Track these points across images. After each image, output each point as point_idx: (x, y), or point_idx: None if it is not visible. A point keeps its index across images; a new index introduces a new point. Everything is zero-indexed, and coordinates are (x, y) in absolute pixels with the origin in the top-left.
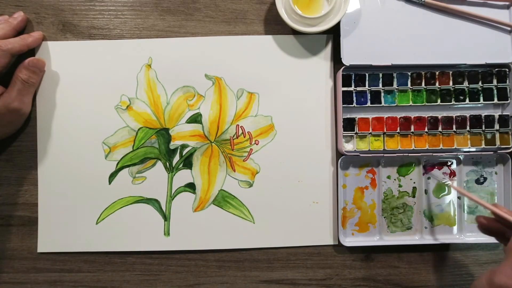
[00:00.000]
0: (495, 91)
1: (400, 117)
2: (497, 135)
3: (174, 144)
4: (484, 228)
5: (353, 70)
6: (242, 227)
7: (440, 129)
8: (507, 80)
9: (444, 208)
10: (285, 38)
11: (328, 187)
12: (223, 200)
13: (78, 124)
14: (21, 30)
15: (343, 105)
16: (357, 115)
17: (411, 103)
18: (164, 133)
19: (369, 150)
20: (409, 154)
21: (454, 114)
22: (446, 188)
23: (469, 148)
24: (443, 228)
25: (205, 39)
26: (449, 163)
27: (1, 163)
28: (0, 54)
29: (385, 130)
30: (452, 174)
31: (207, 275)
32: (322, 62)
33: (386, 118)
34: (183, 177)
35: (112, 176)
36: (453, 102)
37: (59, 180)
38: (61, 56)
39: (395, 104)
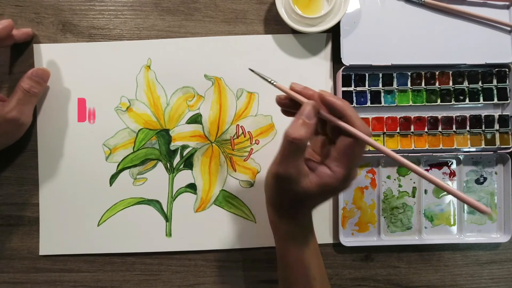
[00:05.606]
0: (495, 91)
1: (400, 117)
2: (497, 135)
3: (174, 145)
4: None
5: (353, 70)
6: (243, 226)
7: (440, 129)
8: (507, 80)
9: (444, 208)
10: (285, 37)
11: None
12: (224, 200)
13: (78, 125)
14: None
15: None
16: None
17: (411, 103)
18: (164, 134)
19: (369, 150)
20: (409, 154)
21: (454, 114)
22: None
23: (469, 148)
24: (443, 228)
25: (204, 39)
26: (449, 163)
27: (1, 163)
28: None
29: (385, 130)
30: (452, 174)
31: (207, 275)
32: (322, 62)
33: (386, 118)
34: (184, 177)
35: (113, 178)
36: (453, 102)
37: (60, 183)
38: (60, 58)
39: (395, 104)
